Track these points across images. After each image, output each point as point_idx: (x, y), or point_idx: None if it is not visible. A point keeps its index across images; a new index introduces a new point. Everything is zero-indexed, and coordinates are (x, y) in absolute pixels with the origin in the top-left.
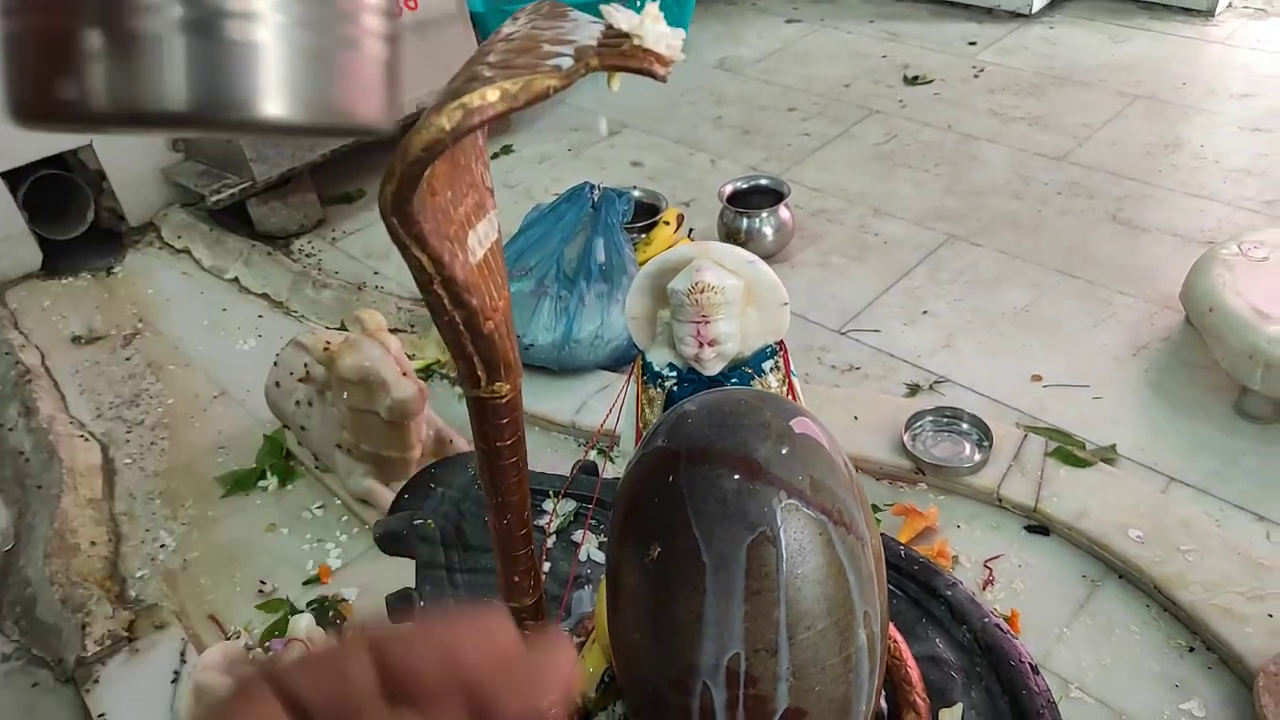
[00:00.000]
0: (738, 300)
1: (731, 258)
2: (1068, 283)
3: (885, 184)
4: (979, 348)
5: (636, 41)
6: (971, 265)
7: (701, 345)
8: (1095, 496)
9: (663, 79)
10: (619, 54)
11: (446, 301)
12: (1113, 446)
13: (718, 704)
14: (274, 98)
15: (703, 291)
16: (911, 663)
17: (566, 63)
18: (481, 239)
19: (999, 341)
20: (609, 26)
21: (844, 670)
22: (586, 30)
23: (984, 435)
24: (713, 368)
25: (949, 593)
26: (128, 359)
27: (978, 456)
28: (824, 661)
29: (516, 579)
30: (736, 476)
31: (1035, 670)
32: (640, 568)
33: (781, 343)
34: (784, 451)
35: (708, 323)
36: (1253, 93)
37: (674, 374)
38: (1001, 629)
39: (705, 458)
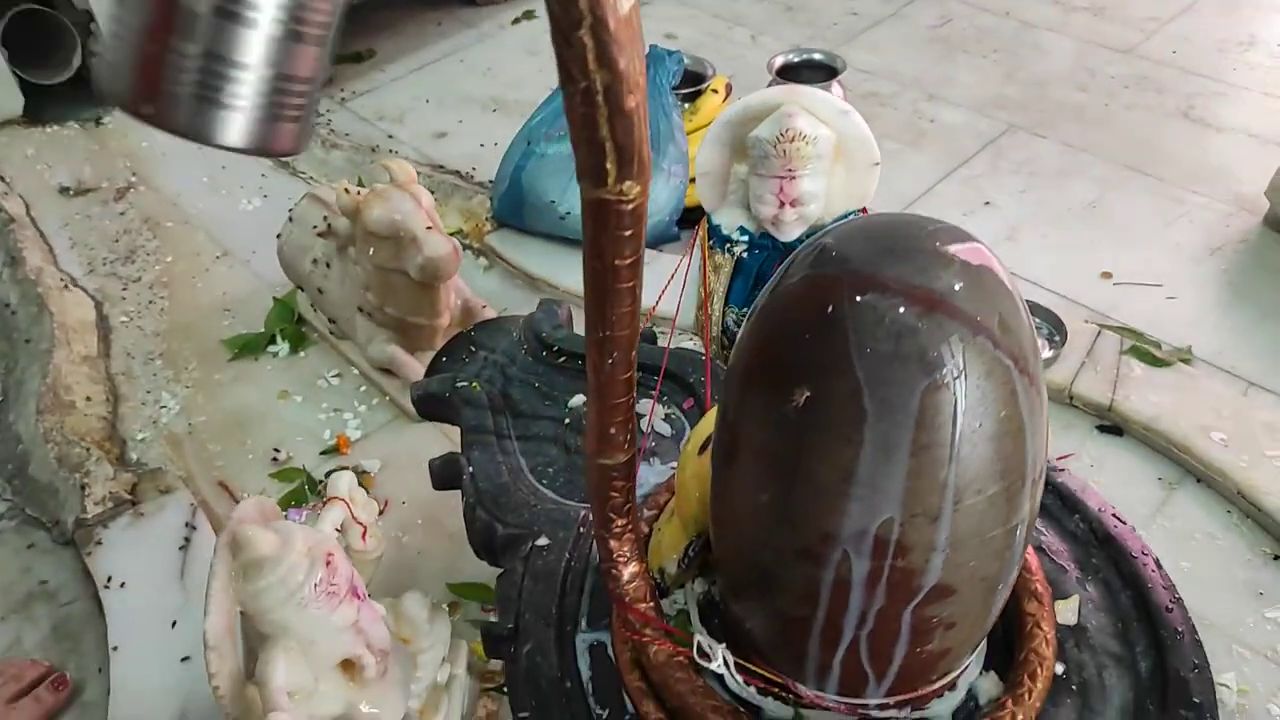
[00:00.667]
0: (828, 154)
1: (825, 106)
2: (1137, 179)
3: (941, 68)
4: (1044, 242)
5: None
6: (1035, 156)
7: (783, 205)
8: (1173, 398)
9: None
10: None
11: (590, 57)
12: (1189, 348)
13: (856, 576)
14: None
15: (792, 140)
16: (1030, 549)
17: None
18: None
19: (1066, 236)
20: None
21: (1004, 544)
22: None
23: (1055, 330)
24: (791, 232)
25: (1058, 480)
26: (121, 214)
27: (1049, 352)
28: (986, 532)
29: (613, 430)
30: (912, 308)
31: (1159, 565)
32: (774, 418)
33: (865, 210)
34: (965, 283)
35: (793, 178)
36: None
37: (745, 239)
38: (1121, 519)
39: (872, 285)
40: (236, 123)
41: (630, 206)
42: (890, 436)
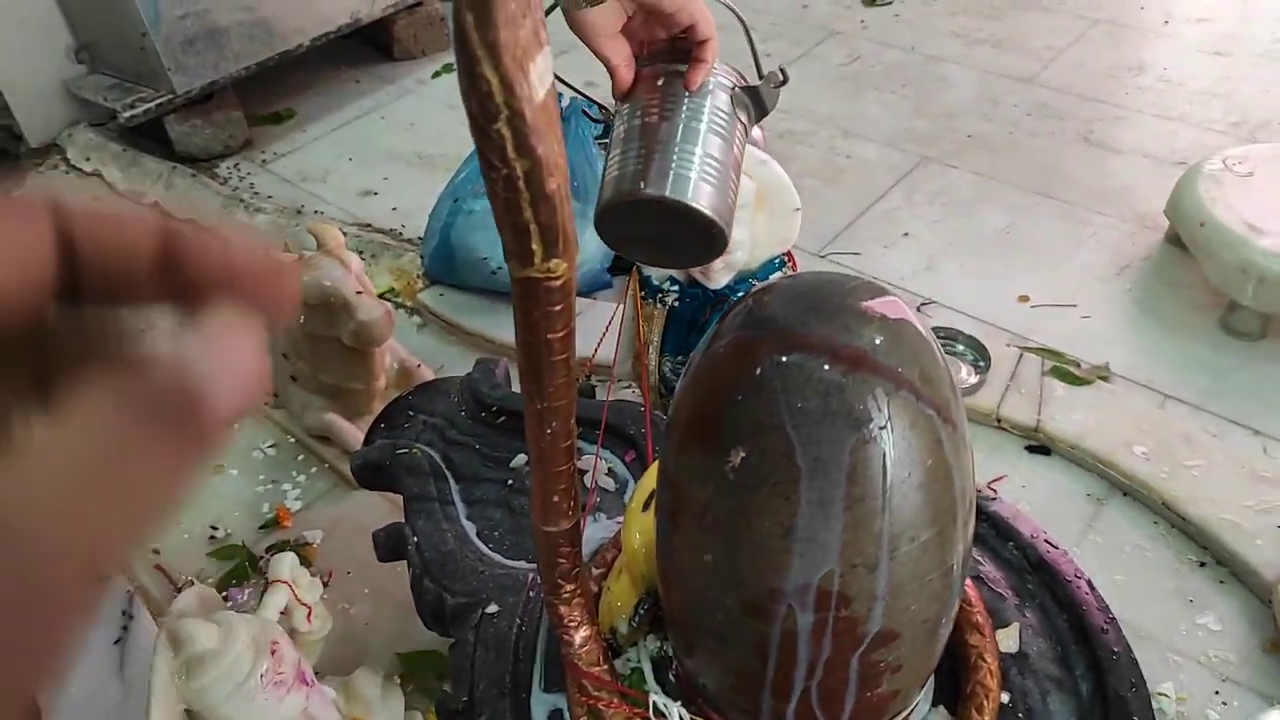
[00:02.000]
0: (750, 203)
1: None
2: (1045, 203)
3: (853, 105)
4: (962, 269)
5: None
6: (947, 187)
7: None
8: (1096, 415)
9: None
10: None
11: (509, 147)
12: (1106, 365)
13: (802, 628)
14: None
15: None
16: (968, 582)
17: None
18: (541, 76)
19: (982, 263)
20: None
21: (942, 585)
22: None
23: (980, 355)
24: (720, 279)
25: (991, 508)
26: None
27: (974, 378)
28: (924, 576)
29: (556, 499)
30: (837, 366)
31: (1092, 587)
32: (713, 478)
33: (789, 253)
34: (885, 338)
35: None
36: (1209, 17)
37: (675, 289)
38: (1053, 544)
39: (800, 345)
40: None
41: (558, 283)
42: (825, 492)
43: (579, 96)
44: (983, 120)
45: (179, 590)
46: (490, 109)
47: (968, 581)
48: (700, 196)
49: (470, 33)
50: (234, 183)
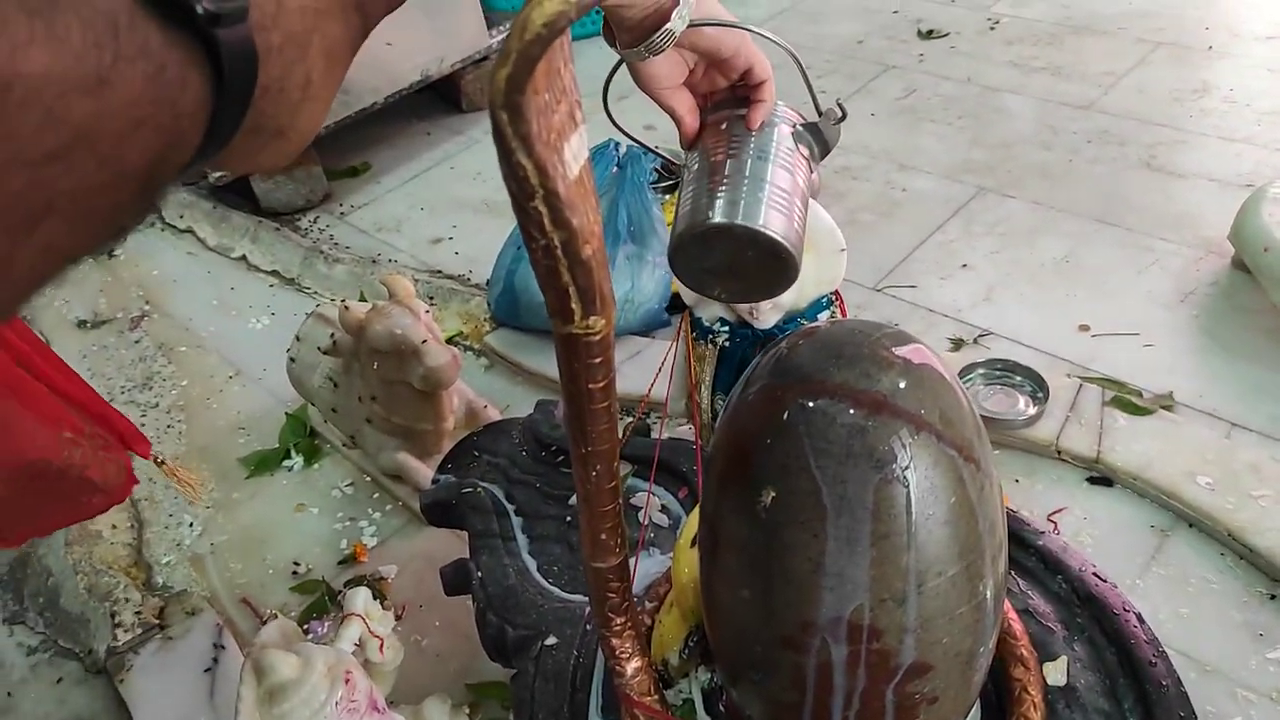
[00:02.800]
0: None
1: None
2: (1106, 231)
3: (909, 139)
4: (1021, 299)
5: None
6: (1005, 217)
7: None
8: (1158, 445)
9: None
10: None
11: (546, 221)
12: (1170, 394)
13: (836, 660)
14: None
15: None
16: (1014, 615)
17: None
18: (575, 153)
19: (1041, 293)
20: None
21: (973, 619)
22: None
23: (1038, 387)
24: (769, 320)
25: (1039, 542)
26: (136, 342)
27: (1033, 409)
28: (953, 610)
29: (603, 537)
30: (859, 411)
31: (1141, 620)
32: (748, 517)
33: (837, 292)
34: (907, 383)
35: None
36: (1277, 35)
37: (725, 329)
38: (1101, 577)
39: (822, 391)
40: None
41: (597, 338)
42: (851, 529)
43: (634, 145)
44: (1041, 149)
45: (263, 623)
46: (527, 189)
47: (1012, 615)
48: (768, 221)
49: (505, 128)
50: (314, 235)
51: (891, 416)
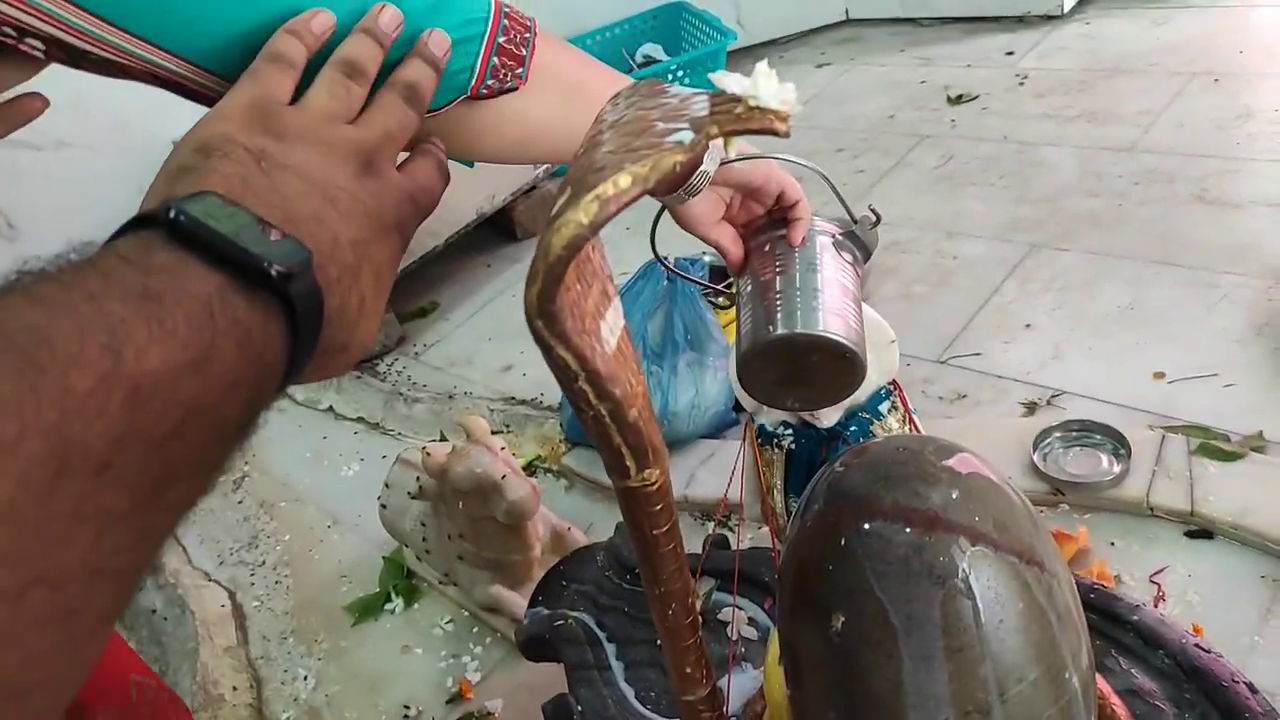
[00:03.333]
0: None
1: None
2: (1168, 272)
3: (953, 205)
4: (1089, 354)
5: (752, 103)
6: (1061, 271)
7: None
8: (1255, 489)
9: (785, 134)
10: (736, 119)
11: (591, 396)
12: (1260, 434)
13: None
14: None
15: None
16: (1116, 700)
17: (687, 136)
18: (612, 327)
19: (1109, 344)
20: (717, 92)
21: (1063, 719)
22: (694, 102)
23: (1119, 444)
24: (829, 419)
25: (1134, 617)
26: (239, 502)
27: (1117, 468)
28: (1040, 713)
29: (689, 670)
30: (914, 529)
31: (1253, 690)
32: (823, 641)
33: (895, 381)
34: (957, 495)
35: None
36: None
37: (789, 432)
38: (1204, 648)
39: (875, 514)
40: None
41: (654, 487)
42: (924, 646)
43: (681, 258)
44: (1088, 197)
45: None
46: (569, 375)
47: (1115, 700)
48: (828, 325)
49: (542, 333)
50: (393, 378)
51: (946, 531)
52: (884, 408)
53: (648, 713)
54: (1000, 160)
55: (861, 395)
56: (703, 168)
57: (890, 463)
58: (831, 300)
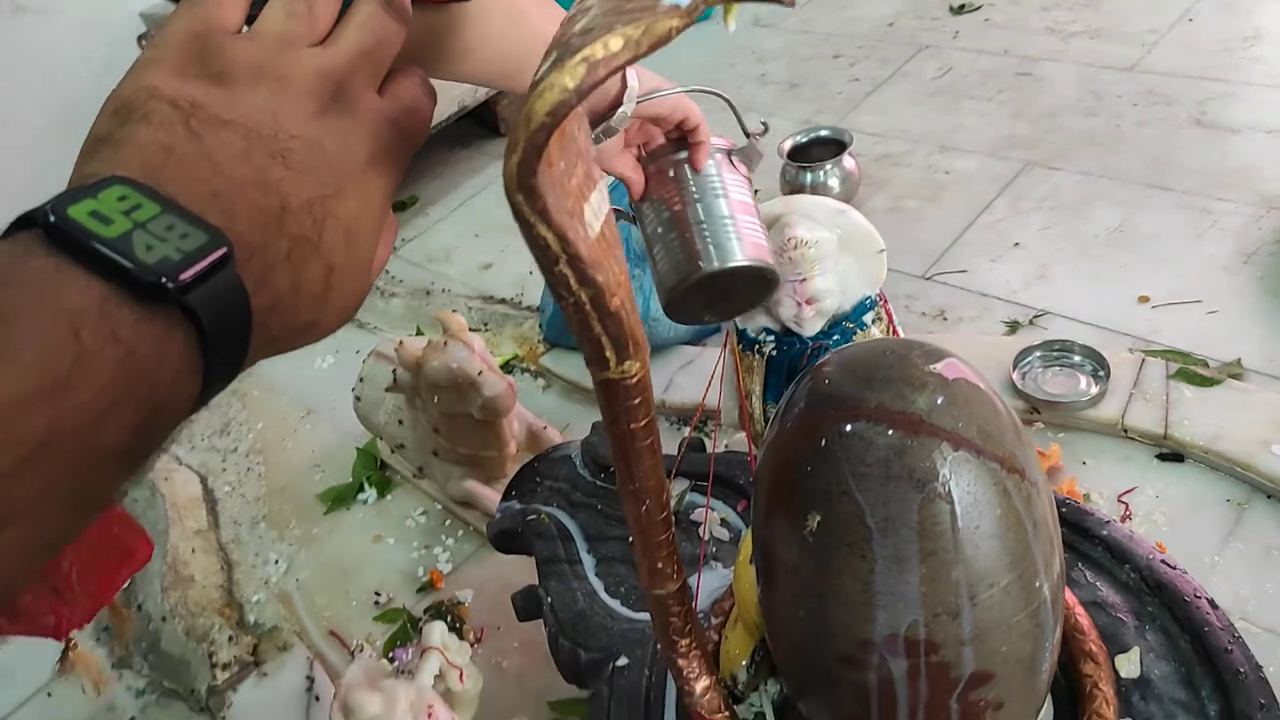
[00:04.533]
0: (833, 253)
1: (821, 210)
2: (1160, 196)
3: (949, 119)
4: (1076, 275)
5: None
6: (1054, 190)
7: (800, 305)
8: (1229, 415)
9: (790, 3)
10: None
11: (572, 281)
12: (1238, 361)
13: (896, 675)
14: None
15: (796, 248)
16: (1080, 610)
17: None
18: (596, 211)
19: (1096, 266)
20: None
21: (1030, 626)
22: None
23: (1099, 365)
24: (812, 327)
25: (1104, 532)
26: None
27: (1095, 388)
28: (1009, 620)
29: (660, 565)
30: (896, 432)
31: (1214, 605)
32: (797, 541)
33: (881, 292)
34: (942, 400)
35: (804, 280)
36: None
37: (771, 338)
38: (1170, 564)
39: (858, 415)
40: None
41: (634, 380)
42: (898, 549)
43: None
44: (1086, 116)
45: (353, 654)
46: (550, 256)
47: (1079, 610)
48: (746, 252)
49: (522, 208)
50: None
51: (929, 435)
52: (868, 318)
53: (617, 606)
54: (1000, 74)
55: (847, 304)
56: (622, 109)
57: (876, 365)
58: (745, 226)
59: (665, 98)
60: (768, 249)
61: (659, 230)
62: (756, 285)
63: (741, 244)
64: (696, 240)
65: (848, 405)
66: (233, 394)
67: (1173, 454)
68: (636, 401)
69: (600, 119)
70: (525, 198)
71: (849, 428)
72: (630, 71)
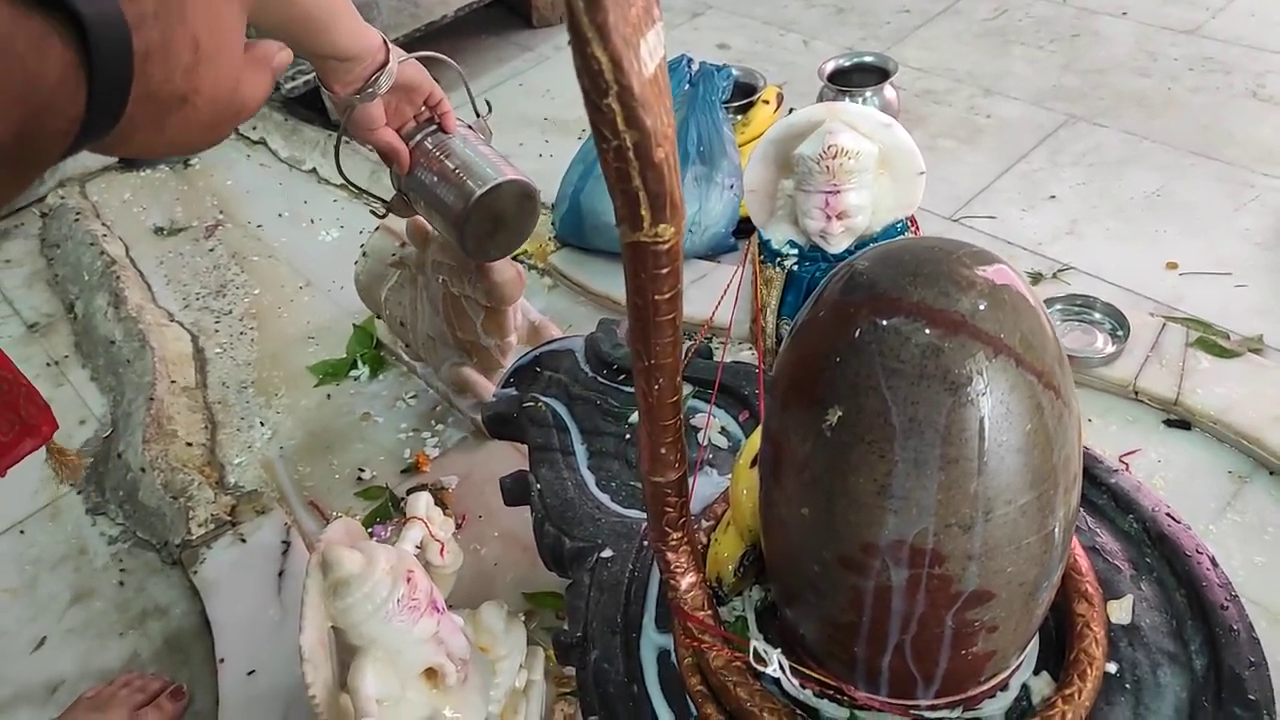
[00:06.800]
0: (871, 168)
1: (866, 120)
2: (1203, 164)
3: (996, 62)
4: (1106, 234)
5: None
6: (1095, 147)
7: (829, 218)
8: (1243, 389)
9: None
10: None
11: (620, 119)
12: (1260, 337)
13: (896, 584)
14: None
15: (835, 157)
16: (1080, 551)
17: None
18: (652, 50)
19: (1128, 227)
20: None
21: (1040, 550)
22: None
23: (1118, 325)
24: (840, 244)
25: (1112, 480)
26: (211, 250)
27: (1111, 347)
28: (1020, 540)
29: (663, 451)
30: (935, 330)
31: (1215, 563)
32: (813, 435)
33: (912, 217)
34: (988, 304)
35: (838, 193)
36: None
37: (794, 252)
38: (1175, 518)
39: (897, 309)
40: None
41: (665, 247)
42: (920, 452)
43: (708, 62)
44: (1138, 76)
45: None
46: (601, 85)
47: (1079, 551)
48: (501, 173)
49: (580, 16)
50: None
51: (969, 338)
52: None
53: (606, 500)
54: (1055, 23)
55: (877, 225)
56: (388, 66)
57: (922, 260)
58: (498, 161)
59: (414, 69)
60: (519, 171)
61: (432, 187)
62: (524, 205)
63: (497, 169)
64: (464, 177)
65: (888, 297)
66: (232, 257)
67: (1180, 421)
68: (665, 271)
69: (361, 82)
70: (587, 4)
71: (886, 321)
72: (393, 49)
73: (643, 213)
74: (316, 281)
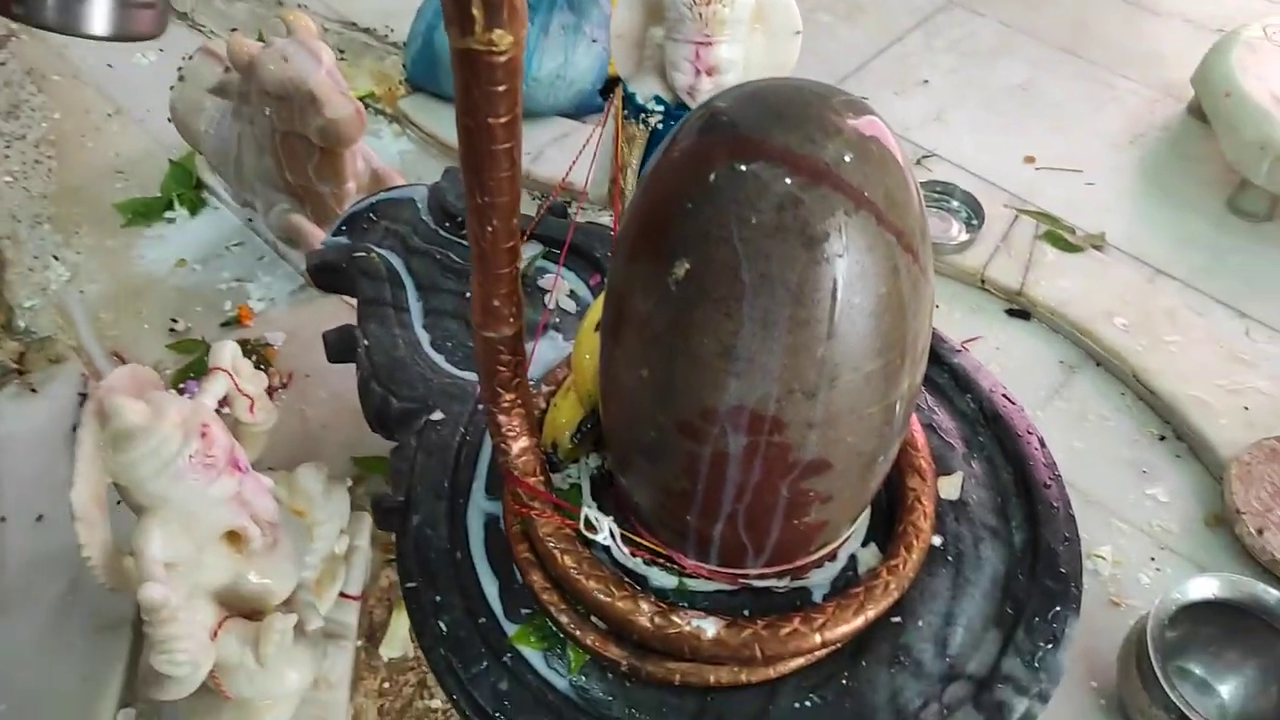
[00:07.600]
0: (746, 20)
1: None
2: (1069, 62)
3: None
4: (972, 123)
5: None
6: (970, 34)
7: (699, 73)
8: (1082, 283)
9: None
10: None
11: None
12: (1102, 234)
13: (733, 451)
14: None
15: (709, 3)
16: (917, 427)
17: None
18: None
19: (994, 118)
20: None
21: (882, 420)
22: None
23: (974, 214)
24: (701, 97)
25: (954, 360)
26: (1, 64)
27: (965, 235)
28: (863, 409)
29: (496, 304)
30: (796, 179)
31: (1043, 444)
32: (658, 290)
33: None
34: (854, 155)
35: (710, 44)
36: None
37: (660, 108)
38: (1010, 399)
39: (757, 154)
40: (99, 13)
41: (502, 59)
42: (770, 312)
43: None
44: None
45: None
46: None
47: (916, 427)
48: None
49: None
50: None
51: (831, 189)
52: None
53: (440, 361)
54: None
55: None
56: None
57: (789, 101)
58: None
59: None
60: None
61: None
62: None
63: None
64: None
65: (749, 140)
66: (27, 74)
67: (1021, 311)
68: (501, 89)
69: None
70: None
71: (744, 166)
72: None
73: (474, 12)
74: (128, 109)
